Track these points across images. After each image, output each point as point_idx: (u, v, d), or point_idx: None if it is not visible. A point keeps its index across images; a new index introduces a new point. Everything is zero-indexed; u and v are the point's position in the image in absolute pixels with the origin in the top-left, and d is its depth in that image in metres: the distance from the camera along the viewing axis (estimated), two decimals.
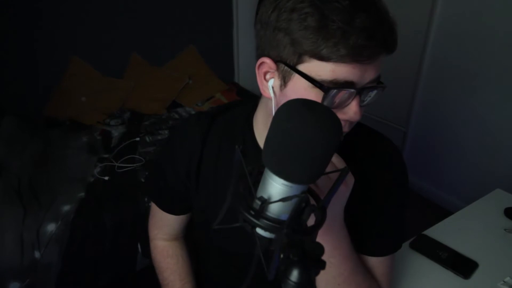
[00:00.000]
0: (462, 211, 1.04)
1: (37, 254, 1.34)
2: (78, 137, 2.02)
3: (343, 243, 0.57)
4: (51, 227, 1.39)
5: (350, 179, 0.52)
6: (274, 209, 0.38)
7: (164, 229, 0.81)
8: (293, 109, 0.36)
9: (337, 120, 0.36)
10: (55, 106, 2.18)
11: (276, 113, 0.37)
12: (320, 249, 0.34)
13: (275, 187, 0.38)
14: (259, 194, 0.39)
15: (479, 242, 0.91)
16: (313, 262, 0.32)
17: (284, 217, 0.38)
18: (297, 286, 0.30)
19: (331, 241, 0.55)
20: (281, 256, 0.34)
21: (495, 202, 1.05)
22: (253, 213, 0.37)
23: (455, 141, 2.05)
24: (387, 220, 0.66)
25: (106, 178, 1.63)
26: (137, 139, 1.97)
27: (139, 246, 1.50)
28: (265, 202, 0.37)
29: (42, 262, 1.33)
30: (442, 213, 1.02)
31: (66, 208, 1.46)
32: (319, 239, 0.55)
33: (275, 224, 0.36)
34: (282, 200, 0.36)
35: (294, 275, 0.30)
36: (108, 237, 1.44)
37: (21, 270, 1.30)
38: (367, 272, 0.64)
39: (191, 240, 0.88)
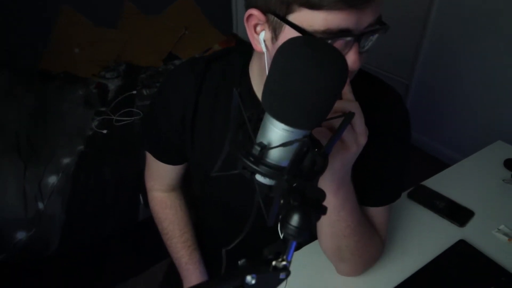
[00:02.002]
0: (461, 162, 1.04)
1: (40, 206, 1.36)
2: (74, 90, 1.98)
3: (351, 196, 0.58)
4: (52, 179, 1.40)
5: (362, 139, 0.50)
6: (274, 156, 0.37)
7: (161, 180, 0.81)
8: (294, 47, 0.33)
9: (342, 60, 0.33)
10: (48, 59, 2.11)
11: (277, 51, 0.34)
12: (321, 194, 0.33)
13: (275, 133, 0.36)
14: (258, 140, 0.37)
15: (477, 192, 0.92)
16: (314, 208, 0.31)
17: (285, 163, 0.37)
18: (298, 231, 0.30)
19: (342, 195, 0.56)
20: (281, 202, 0.33)
21: (496, 153, 1.05)
22: (252, 159, 0.36)
23: (458, 95, 2.02)
24: (389, 171, 0.65)
25: (105, 131, 1.61)
26: (134, 92, 1.93)
27: (141, 197, 1.53)
28: (265, 148, 0.36)
29: (46, 213, 1.36)
30: (442, 166, 1.02)
31: (66, 161, 1.46)
32: (332, 195, 0.56)
33: (275, 171, 0.35)
34: (283, 145, 0.34)
35: (295, 219, 0.30)
36: (109, 189, 1.45)
37: (26, 221, 1.34)
38: (368, 221, 0.65)
39: (189, 192, 0.89)
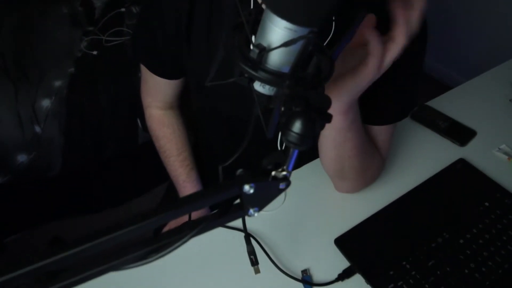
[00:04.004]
0: (468, 82, 0.99)
1: (37, 129, 1.35)
2: (58, 7, 1.83)
3: (358, 116, 0.55)
4: (45, 102, 1.37)
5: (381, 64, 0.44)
6: (275, 60, 0.33)
7: (157, 96, 0.77)
8: None
9: None
10: None
11: None
12: (327, 101, 0.30)
13: (276, 33, 0.32)
14: (257, 42, 0.33)
15: (482, 112, 0.90)
16: (318, 114, 0.29)
17: (286, 69, 0.33)
18: (300, 138, 0.27)
19: (351, 116, 0.53)
20: (282, 109, 0.30)
21: (505, 73, 1.00)
22: (250, 64, 0.32)
23: (466, 12, 1.88)
24: (399, 88, 0.61)
25: (95, 52, 1.53)
26: (123, 9, 1.78)
27: (138, 121, 1.51)
28: (264, 50, 0.32)
29: (44, 136, 1.36)
30: (447, 90, 0.98)
31: (58, 83, 1.41)
32: (342, 116, 0.52)
33: (275, 77, 0.32)
34: (285, 44, 0.30)
35: (297, 126, 0.27)
36: (105, 113, 1.43)
37: (25, 144, 1.34)
38: (371, 140, 0.64)
39: (188, 112, 0.87)
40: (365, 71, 0.45)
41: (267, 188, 0.31)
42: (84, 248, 0.26)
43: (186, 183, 0.79)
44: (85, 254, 0.27)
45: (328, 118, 0.30)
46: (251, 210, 0.31)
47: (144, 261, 0.28)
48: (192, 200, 0.27)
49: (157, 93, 0.77)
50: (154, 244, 0.29)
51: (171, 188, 0.87)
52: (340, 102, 0.50)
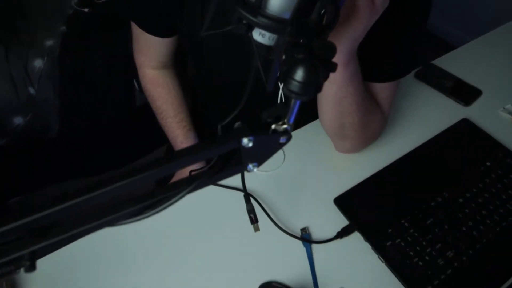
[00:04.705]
0: (475, 40, 0.95)
1: (31, 91, 1.32)
2: None
3: (358, 69, 0.53)
4: (38, 63, 1.33)
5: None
6: (275, 4, 0.30)
7: (151, 55, 0.74)
8: None
9: None
10: None
11: None
12: (331, 49, 0.28)
13: None
14: None
15: (487, 71, 0.87)
16: (322, 62, 0.26)
17: (287, 15, 0.31)
18: (302, 87, 0.25)
19: (351, 69, 0.51)
20: (283, 58, 0.28)
21: None
22: (248, 8, 0.30)
23: None
24: (401, 42, 0.59)
25: (86, 10, 1.46)
26: None
27: (135, 82, 1.47)
28: None
29: (39, 98, 1.33)
30: (454, 49, 0.94)
31: (49, 43, 1.36)
32: (342, 68, 0.50)
33: (276, 23, 0.29)
34: None
35: (299, 73, 0.25)
36: (100, 73, 1.40)
37: (20, 106, 1.32)
38: (372, 97, 0.62)
39: (183, 73, 0.84)
40: (358, 14, 0.43)
41: (267, 142, 0.29)
42: (78, 202, 0.25)
43: (184, 144, 0.78)
44: (79, 208, 0.26)
45: (333, 67, 0.28)
46: (250, 166, 0.30)
47: (140, 217, 0.28)
48: (187, 153, 0.26)
49: (150, 52, 0.74)
50: (150, 199, 0.28)
51: (171, 151, 0.86)
52: (340, 53, 0.48)
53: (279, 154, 0.70)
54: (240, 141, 0.27)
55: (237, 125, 0.28)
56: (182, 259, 0.58)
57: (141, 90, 1.50)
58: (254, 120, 0.37)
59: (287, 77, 0.26)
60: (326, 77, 0.28)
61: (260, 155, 0.30)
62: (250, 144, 0.27)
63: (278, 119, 0.30)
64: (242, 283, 0.54)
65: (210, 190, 0.65)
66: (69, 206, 0.25)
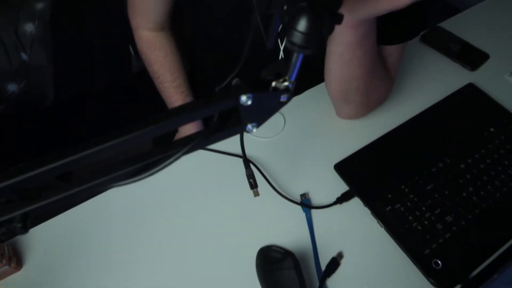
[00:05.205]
0: (483, 3, 0.91)
1: (24, 56, 1.28)
2: None
3: (371, 34, 0.50)
4: (29, 27, 1.28)
5: None
6: None
7: (146, 15, 0.71)
8: None
9: None
10: None
11: None
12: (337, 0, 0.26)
13: None
14: None
15: (496, 35, 0.84)
16: (327, 11, 0.24)
17: None
18: (305, 38, 0.23)
19: (362, 32, 0.48)
20: (284, 8, 0.26)
21: None
22: None
23: None
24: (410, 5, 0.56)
25: None
26: None
27: (131, 48, 1.43)
28: None
29: (32, 64, 1.30)
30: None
31: (40, 6, 1.31)
32: (351, 28, 0.47)
33: None
34: None
35: (302, 23, 0.23)
36: (94, 38, 1.35)
37: (12, 72, 1.28)
38: (381, 62, 0.59)
39: (181, 37, 0.80)
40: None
41: (267, 101, 0.28)
42: (70, 161, 0.24)
43: None
44: (71, 168, 0.25)
45: (339, 18, 0.26)
46: (250, 126, 0.29)
47: (134, 179, 0.27)
48: (185, 111, 0.25)
49: (145, 12, 0.70)
50: (145, 160, 0.27)
51: None
52: (350, 15, 0.45)
53: (279, 120, 0.69)
54: (238, 99, 0.25)
55: (236, 81, 0.26)
56: (182, 224, 0.58)
57: (137, 57, 1.46)
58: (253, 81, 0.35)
59: (289, 27, 0.24)
60: (331, 29, 0.26)
61: (260, 115, 0.29)
62: (249, 102, 0.26)
63: (279, 76, 0.28)
64: (242, 247, 0.55)
65: (209, 157, 0.65)
66: (59, 165, 0.24)
